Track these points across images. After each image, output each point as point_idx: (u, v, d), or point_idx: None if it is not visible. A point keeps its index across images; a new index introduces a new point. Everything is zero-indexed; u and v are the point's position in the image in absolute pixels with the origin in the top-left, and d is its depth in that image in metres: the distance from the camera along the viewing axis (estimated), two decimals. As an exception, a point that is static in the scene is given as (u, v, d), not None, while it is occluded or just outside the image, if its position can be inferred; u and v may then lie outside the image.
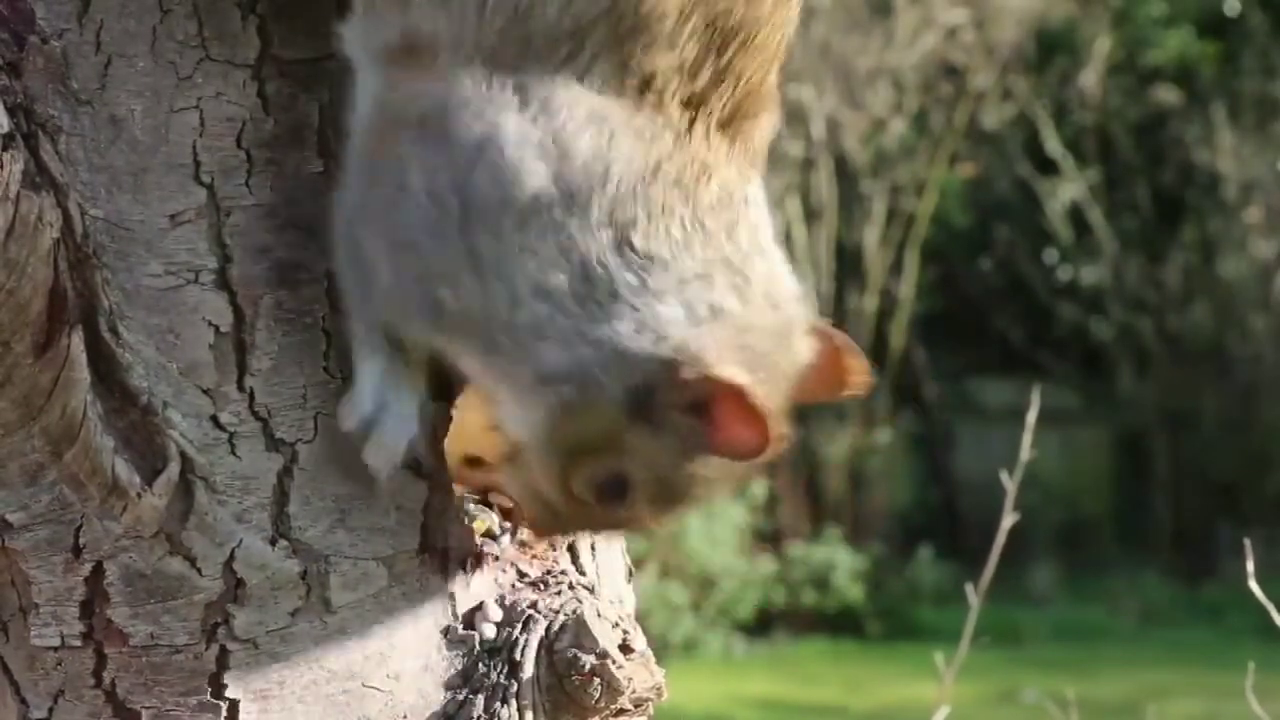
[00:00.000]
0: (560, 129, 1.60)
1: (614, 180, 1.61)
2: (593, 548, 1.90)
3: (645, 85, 1.62)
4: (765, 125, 1.71)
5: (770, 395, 1.62)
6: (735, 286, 1.63)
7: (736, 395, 1.59)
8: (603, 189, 1.60)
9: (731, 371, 1.60)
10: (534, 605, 1.80)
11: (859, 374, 1.74)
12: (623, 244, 1.61)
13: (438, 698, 1.77)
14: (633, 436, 1.63)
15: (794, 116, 16.04)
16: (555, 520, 1.74)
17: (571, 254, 1.60)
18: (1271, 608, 2.72)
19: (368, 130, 1.66)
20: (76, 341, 1.67)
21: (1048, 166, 16.77)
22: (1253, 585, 2.70)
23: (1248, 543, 2.89)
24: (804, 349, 1.69)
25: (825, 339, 1.71)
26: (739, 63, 1.65)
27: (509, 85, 1.61)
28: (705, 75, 1.64)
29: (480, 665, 1.78)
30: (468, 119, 1.61)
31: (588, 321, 1.61)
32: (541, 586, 1.82)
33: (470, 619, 1.79)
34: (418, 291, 1.64)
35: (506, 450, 1.73)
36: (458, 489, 1.83)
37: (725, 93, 1.65)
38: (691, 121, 1.64)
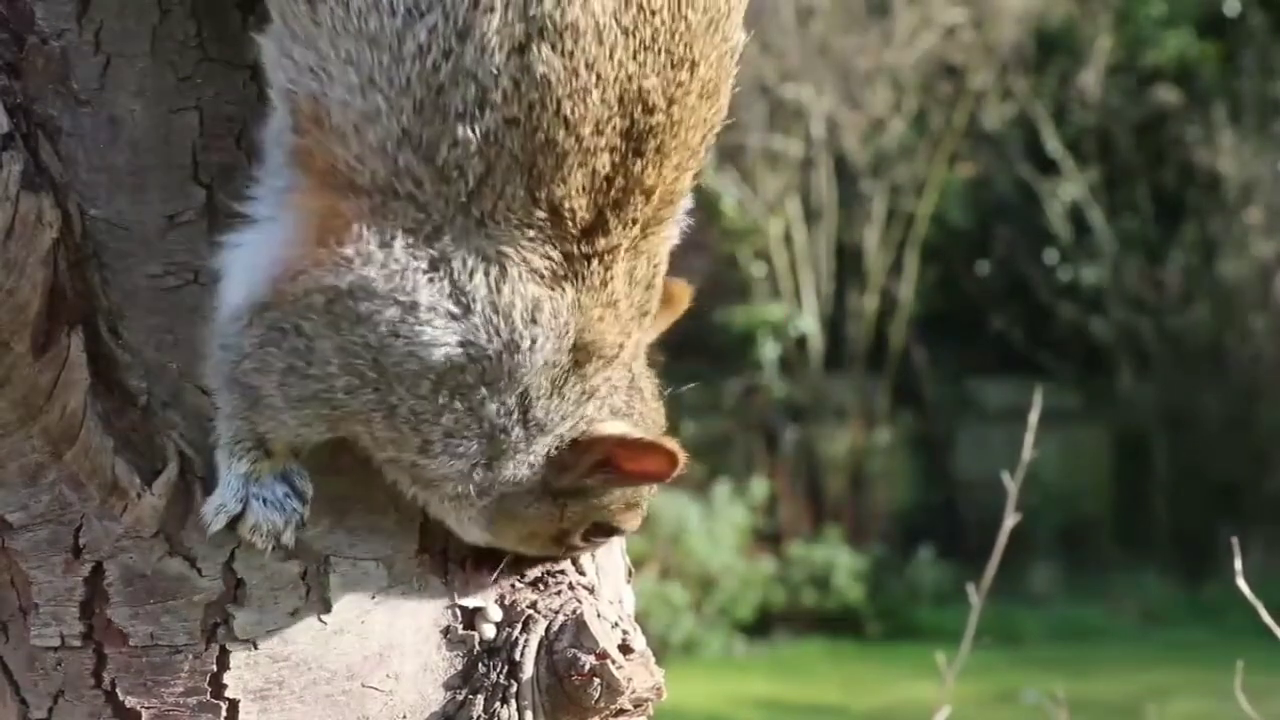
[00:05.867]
0: (464, 291, 1.59)
1: (522, 349, 1.61)
2: (592, 548, 1.90)
3: (554, 213, 1.59)
4: (670, 230, 1.69)
5: (648, 430, 1.73)
6: (599, 404, 1.70)
7: (620, 441, 1.69)
8: (512, 355, 1.61)
9: (606, 426, 1.69)
10: (534, 605, 1.80)
11: (681, 291, 1.80)
12: (525, 415, 1.65)
13: (437, 698, 1.77)
14: (573, 509, 1.73)
15: (794, 116, 16.04)
16: (554, 553, 1.82)
17: (483, 419, 1.64)
18: (1260, 606, 2.72)
19: (261, 300, 1.63)
20: (76, 342, 1.67)
21: (1048, 166, 16.76)
22: (1240, 583, 2.70)
23: (1235, 541, 2.90)
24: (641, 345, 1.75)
25: None
26: (652, 171, 1.61)
27: (420, 258, 1.58)
28: (617, 186, 1.61)
29: (480, 665, 1.78)
30: (380, 303, 1.59)
31: (485, 469, 1.67)
32: (541, 587, 1.82)
33: (470, 619, 1.79)
34: (325, 425, 1.66)
35: None
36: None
37: (636, 204, 1.62)
38: (589, 257, 1.62)
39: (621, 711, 1.79)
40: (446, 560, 1.79)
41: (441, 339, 1.59)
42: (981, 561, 3.25)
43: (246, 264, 1.64)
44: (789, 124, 16.11)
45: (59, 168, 1.68)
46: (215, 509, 1.69)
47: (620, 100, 1.57)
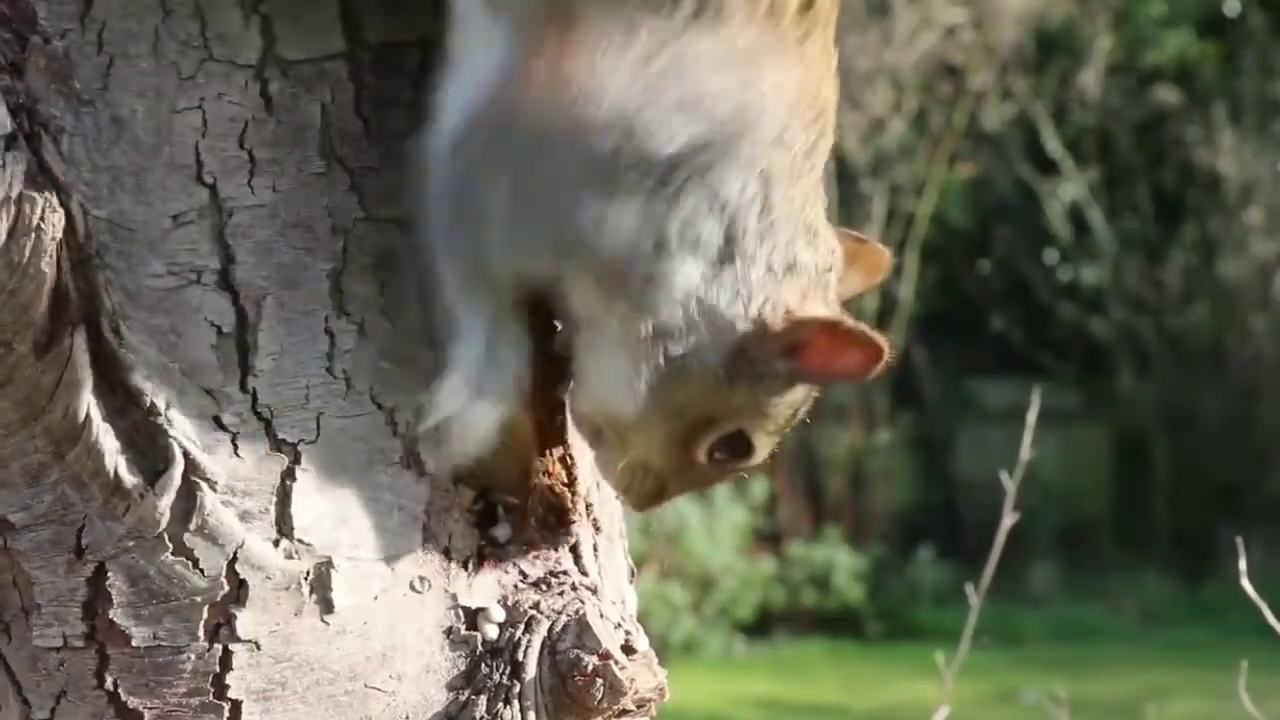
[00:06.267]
0: (700, 88, 1.63)
1: (757, 121, 1.65)
2: (595, 548, 1.90)
3: (771, 5, 1.65)
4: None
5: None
6: (810, 242, 1.72)
7: (829, 327, 1.70)
8: (747, 131, 1.65)
9: (817, 309, 1.71)
10: (537, 606, 1.80)
11: (883, 259, 1.88)
12: (764, 205, 1.68)
13: (440, 698, 1.77)
14: (738, 395, 1.73)
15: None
16: (661, 490, 1.81)
17: (721, 200, 1.67)
18: (1264, 606, 2.72)
19: (475, 120, 1.67)
20: (79, 342, 1.67)
21: (1048, 166, 16.76)
22: (1245, 584, 2.71)
23: (1239, 541, 2.90)
24: (841, 265, 1.79)
25: (844, 238, 1.82)
26: None
27: (649, 68, 1.63)
28: None
29: (483, 666, 1.78)
30: (603, 115, 1.63)
31: (707, 284, 1.69)
32: (544, 587, 1.82)
33: (473, 619, 1.79)
34: (551, 227, 1.68)
35: (596, 433, 1.80)
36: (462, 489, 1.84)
37: None
38: (806, 35, 1.68)
39: (624, 712, 1.79)
40: (449, 560, 1.79)
41: (671, 132, 1.63)
42: (981, 561, 3.25)
43: (462, 96, 1.68)
44: (789, 124, 16.08)
45: (62, 167, 1.68)
46: (450, 392, 1.70)
47: None
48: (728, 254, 1.67)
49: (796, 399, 1.78)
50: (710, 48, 1.65)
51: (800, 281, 1.71)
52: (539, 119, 1.65)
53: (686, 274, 1.68)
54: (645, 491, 1.82)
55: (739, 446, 1.78)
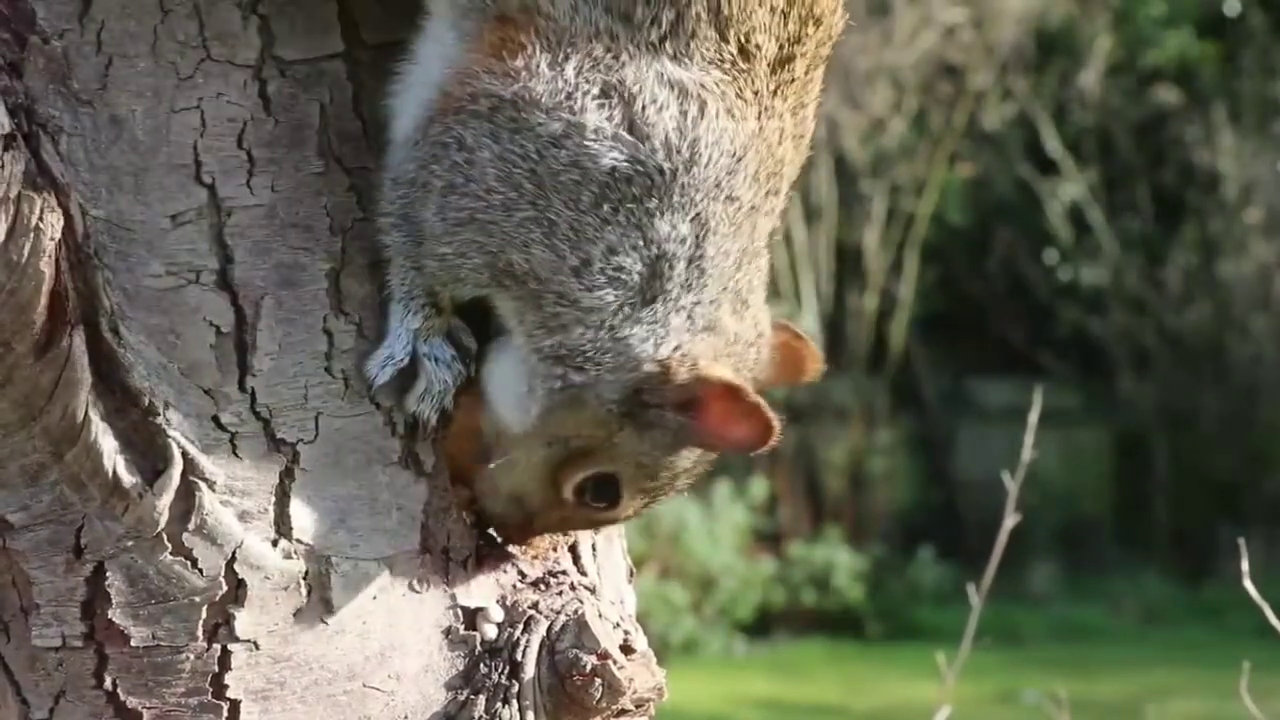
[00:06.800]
0: (640, 115, 1.63)
1: (701, 162, 1.65)
2: (594, 548, 1.90)
3: (742, 49, 1.66)
4: (820, 76, 1.75)
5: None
6: (736, 310, 1.72)
7: (730, 392, 1.68)
8: (688, 170, 1.65)
9: (722, 371, 1.69)
10: (535, 606, 1.80)
11: (814, 362, 1.85)
12: (694, 252, 1.67)
13: (439, 698, 1.77)
14: (623, 437, 1.72)
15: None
16: (527, 523, 1.80)
17: (650, 239, 1.66)
18: (1266, 607, 2.71)
19: (428, 113, 1.68)
20: (78, 342, 1.67)
21: (1048, 166, 16.75)
22: (1248, 584, 2.70)
23: (1242, 542, 2.90)
24: (767, 350, 1.78)
25: (783, 331, 1.81)
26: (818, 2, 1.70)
27: (592, 83, 1.63)
28: (792, 19, 1.68)
29: (481, 666, 1.78)
30: (543, 116, 1.64)
31: (622, 317, 1.68)
32: (543, 587, 1.82)
33: (471, 619, 1.79)
34: (480, 259, 1.68)
35: (486, 449, 1.78)
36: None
37: (808, 35, 1.70)
38: (775, 90, 1.68)
39: (623, 712, 1.79)
40: (448, 560, 1.79)
41: (607, 154, 1.63)
42: (981, 561, 3.24)
43: (415, 95, 1.70)
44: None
45: (60, 168, 1.68)
46: (383, 360, 1.72)
47: None
48: (650, 293, 1.66)
49: (678, 465, 1.76)
50: (665, 77, 1.64)
51: (716, 342, 1.70)
52: (484, 117, 1.65)
53: (604, 302, 1.66)
54: (515, 522, 1.80)
55: (606, 493, 1.76)
